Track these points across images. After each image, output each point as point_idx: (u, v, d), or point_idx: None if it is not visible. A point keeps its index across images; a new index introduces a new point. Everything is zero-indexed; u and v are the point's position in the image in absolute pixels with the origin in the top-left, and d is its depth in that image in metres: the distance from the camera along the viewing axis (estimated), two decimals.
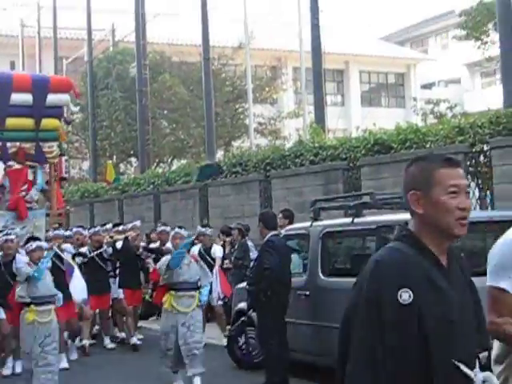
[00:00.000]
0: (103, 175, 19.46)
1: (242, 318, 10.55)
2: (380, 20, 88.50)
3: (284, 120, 35.11)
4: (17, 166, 14.80)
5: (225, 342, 12.03)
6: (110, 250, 13.30)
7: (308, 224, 9.90)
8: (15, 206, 13.96)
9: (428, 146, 12.88)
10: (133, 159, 31.85)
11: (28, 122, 14.26)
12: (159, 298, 10.14)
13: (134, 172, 30.25)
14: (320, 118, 18.25)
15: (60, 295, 9.55)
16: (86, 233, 14.15)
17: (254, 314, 10.29)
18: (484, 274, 8.29)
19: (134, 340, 13.17)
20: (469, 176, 11.96)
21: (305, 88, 29.39)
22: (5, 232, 11.58)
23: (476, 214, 9.91)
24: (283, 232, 10.54)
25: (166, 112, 32.12)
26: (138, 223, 14.58)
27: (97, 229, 14.14)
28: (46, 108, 14.33)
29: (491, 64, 33.52)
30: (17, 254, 10.84)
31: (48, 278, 9.22)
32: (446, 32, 48.33)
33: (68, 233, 13.88)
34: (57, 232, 12.74)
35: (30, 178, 14.77)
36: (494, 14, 16.25)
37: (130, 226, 14.09)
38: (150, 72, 26.76)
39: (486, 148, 11.93)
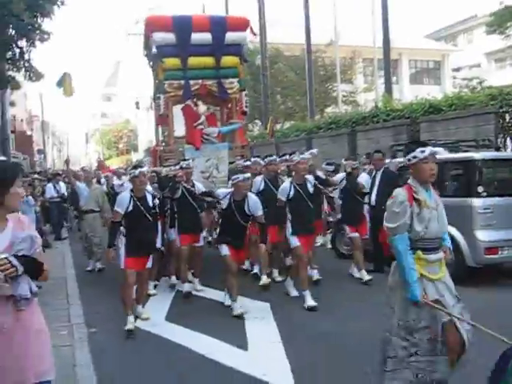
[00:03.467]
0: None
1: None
2: (420, 20, 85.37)
3: (359, 94, 34.68)
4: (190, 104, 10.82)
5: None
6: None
7: (388, 160, 9.82)
8: (192, 139, 10.59)
9: (468, 108, 12.47)
10: (257, 121, 32.01)
11: (209, 60, 10.78)
12: None
13: (259, 130, 30.36)
14: (388, 90, 17.86)
15: None
16: (262, 163, 9.72)
17: None
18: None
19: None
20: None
21: (377, 71, 28.97)
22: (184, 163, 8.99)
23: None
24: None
25: (280, 89, 32.03)
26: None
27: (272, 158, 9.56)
28: (225, 46, 10.77)
29: (505, 53, 31.73)
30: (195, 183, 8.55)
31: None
32: (471, 30, 45.92)
33: (247, 163, 10.14)
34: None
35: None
36: None
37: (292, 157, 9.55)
38: (269, 62, 26.55)
39: (510, 109, 11.48)
